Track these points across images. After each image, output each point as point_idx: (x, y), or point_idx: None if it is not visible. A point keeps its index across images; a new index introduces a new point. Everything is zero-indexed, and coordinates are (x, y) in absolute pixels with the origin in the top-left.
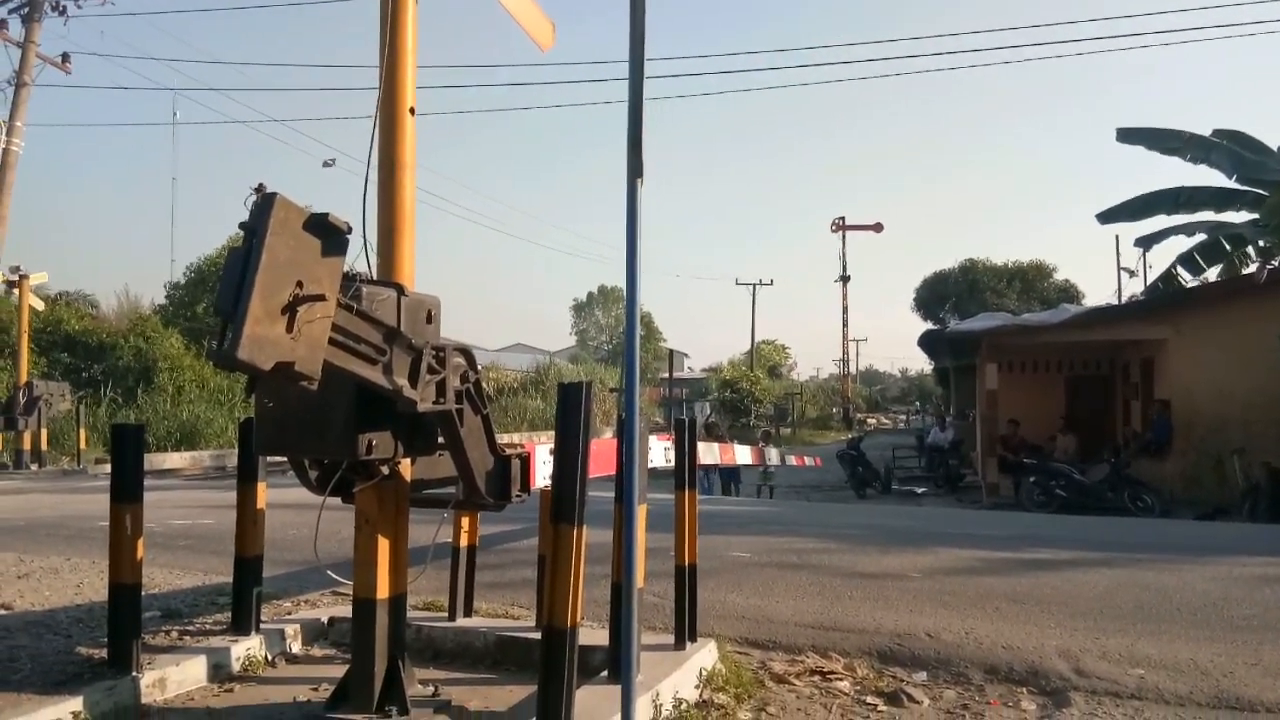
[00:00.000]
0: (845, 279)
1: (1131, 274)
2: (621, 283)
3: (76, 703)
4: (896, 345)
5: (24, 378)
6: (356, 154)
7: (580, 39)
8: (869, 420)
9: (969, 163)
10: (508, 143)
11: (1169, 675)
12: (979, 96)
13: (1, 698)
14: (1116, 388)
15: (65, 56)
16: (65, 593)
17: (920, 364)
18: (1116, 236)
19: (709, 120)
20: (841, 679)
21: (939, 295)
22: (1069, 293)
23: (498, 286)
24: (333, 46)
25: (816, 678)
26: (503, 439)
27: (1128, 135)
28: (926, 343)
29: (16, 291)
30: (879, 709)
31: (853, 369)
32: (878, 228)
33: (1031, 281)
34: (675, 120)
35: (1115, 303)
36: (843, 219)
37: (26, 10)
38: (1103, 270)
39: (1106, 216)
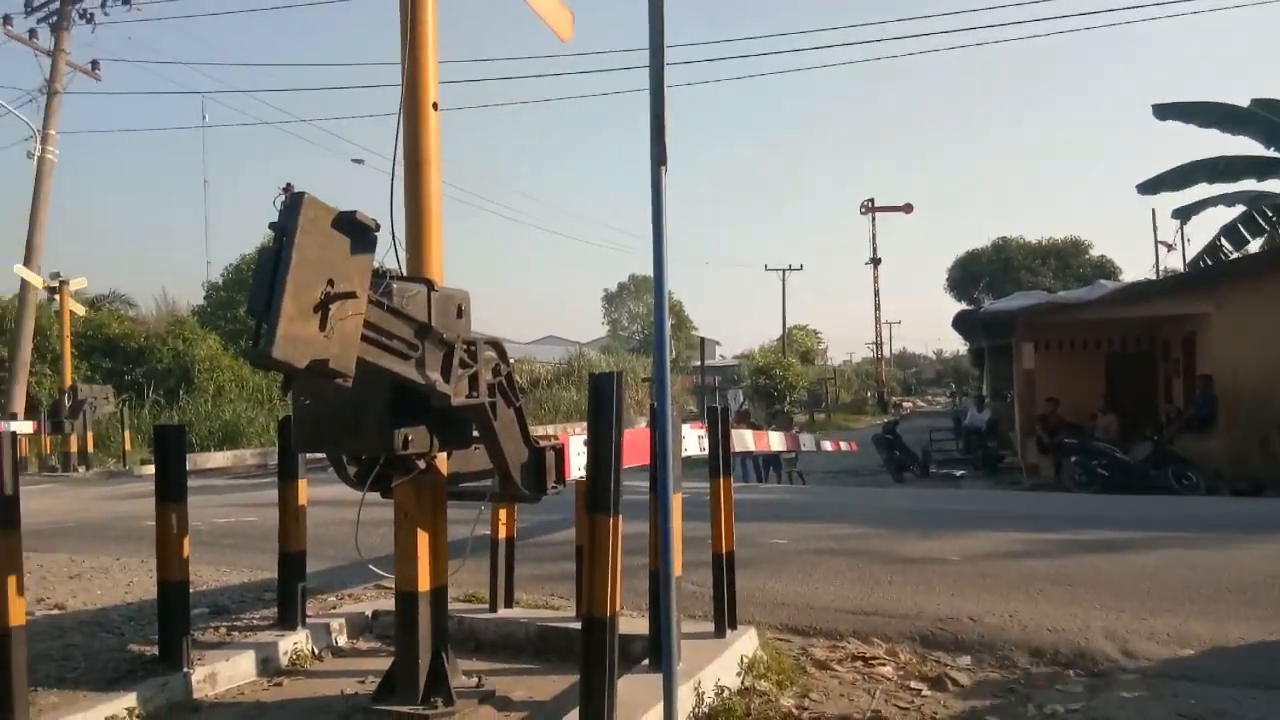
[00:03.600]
0: (876, 261)
1: (1170, 248)
2: (651, 272)
3: (130, 699)
4: (930, 327)
5: (68, 382)
6: (384, 151)
7: (601, 27)
8: (904, 403)
9: (1000, 139)
10: (532, 135)
11: (1220, 656)
12: (1010, 71)
13: (58, 695)
14: (1157, 364)
15: (94, 64)
16: (116, 592)
17: (955, 345)
18: (1153, 210)
19: (733, 105)
20: (884, 664)
21: (972, 275)
22: (1106, 269)
23: (527, 279)
24: (359, 44)
25: (859, 663)
26: (536, 431)
27: (1164, 111)
28: (961, 324)
29: (57, 298)
30: (923, 693)
31: (886, 352)
32: (907, 208)
33: (1067, 258)
34: (699, 106)
35: (1154, 278)
36: (872, 200)
37: (55, 19)
38: (1140, 245)
39: (1147, 187)
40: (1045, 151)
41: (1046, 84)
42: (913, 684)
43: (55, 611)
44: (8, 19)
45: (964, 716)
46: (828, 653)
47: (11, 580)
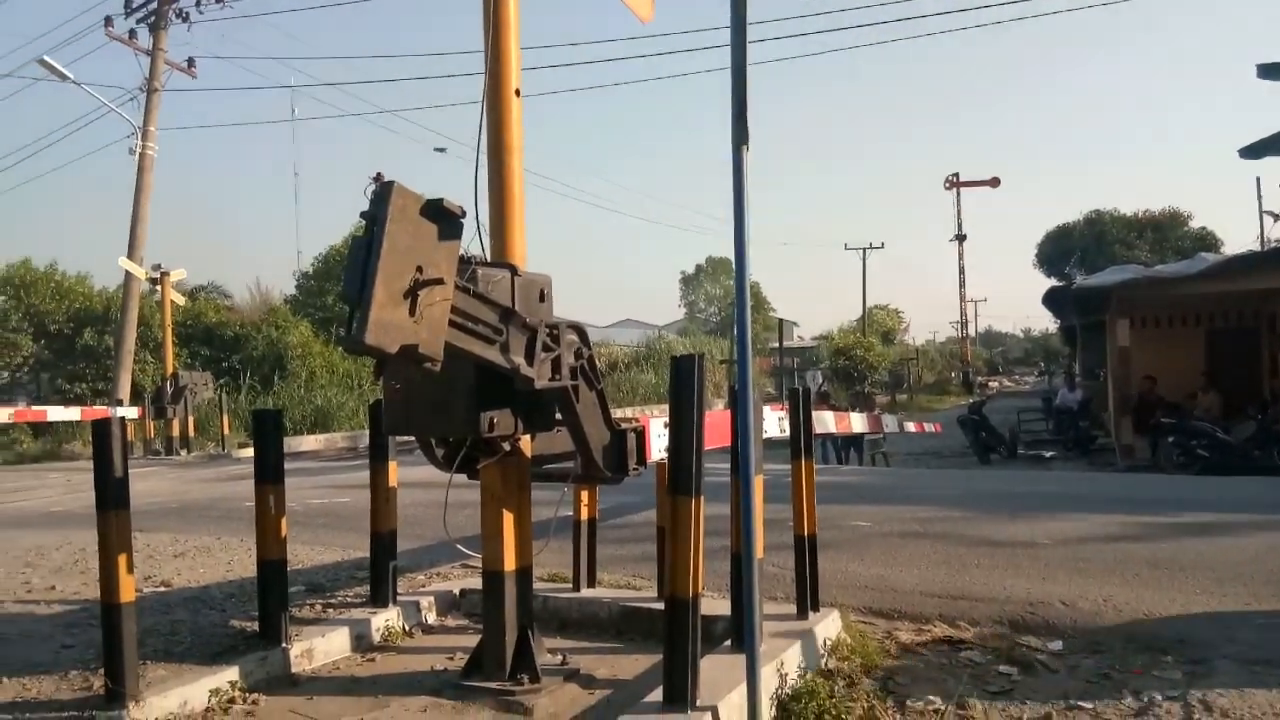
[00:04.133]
0: (961, 238)
1: (1276, 218)
2: (729, 253)
3: (233, 672)
4: (1018, 304)
5: (170, 369)
6: (464, 139)
7: (681, 7)
8: (990, 383)
9: (1090, 108)
10: (610, 119)
11: None
12: (1100, 37)
13: (166, 667)
14: (1262, 340)
15: (190, 61)
16: (217, 570)
17: (1044, 323)
18: (1258, 179)
19: (812, 83)
20: (972, 648)
21: (1063, 250)
22: (1206, 241)
23: (605, 263)
24: (442, 34)
25: (945, 647)
26: (616, 414)
27: (1269, 71)
28: (1051, 300)
29: (159, 288)
30: (1013, 678)
31: (971, 331)
32: (994, 182)
33: (1165, 231)
34: (777, 85)
35: (1258, 249)
36: (956, 175)
37: (153, 20)
38: (1244, 215)
39: (1250, 152)
40: (1141, 119)
41: (1141, 46)
42: (1002, 668)
43: (162, 589)
44: (109, 20)
45: (1055, 703)
46: (913, 636)
47: (122, 559)
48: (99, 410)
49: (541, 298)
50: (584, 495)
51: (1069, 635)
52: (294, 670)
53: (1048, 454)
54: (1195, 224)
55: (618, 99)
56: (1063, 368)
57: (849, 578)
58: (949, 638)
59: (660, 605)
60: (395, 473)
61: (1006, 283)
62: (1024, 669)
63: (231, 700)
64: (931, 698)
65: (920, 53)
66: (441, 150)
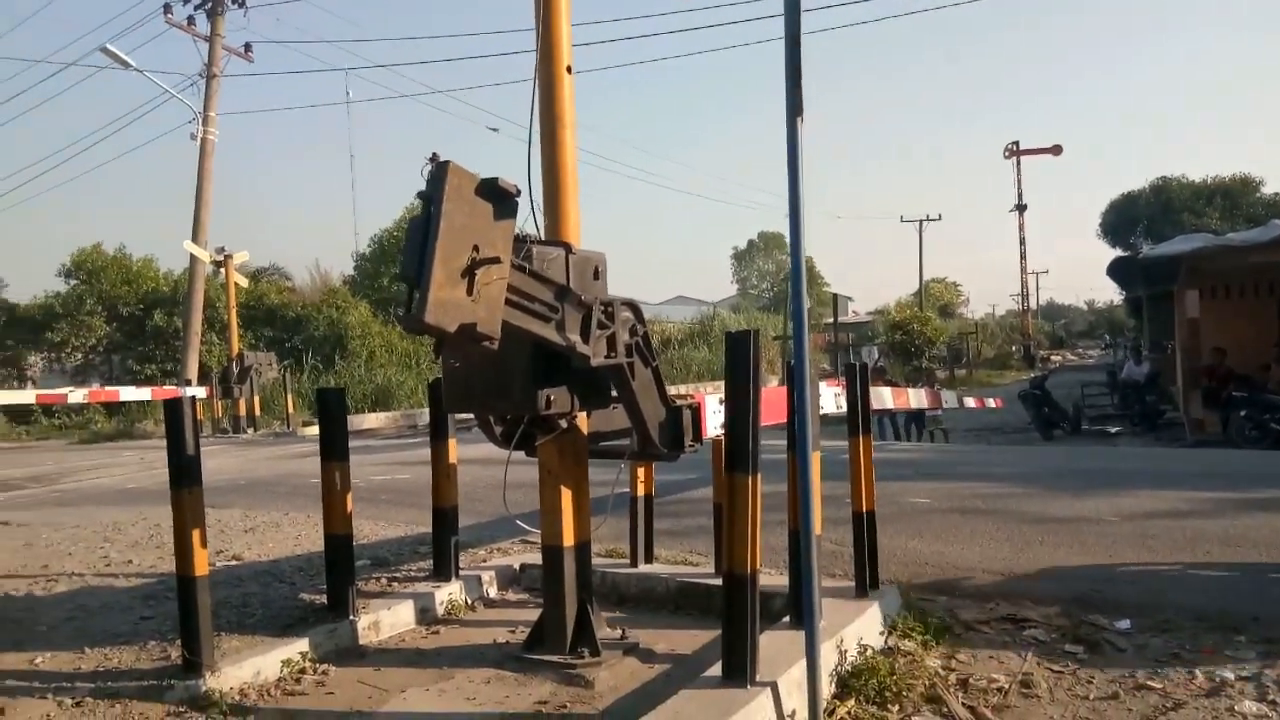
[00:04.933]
0: (1021, 208)
1: None
2: (781, 228)
3: (303, 643)
4: (1080, 275)
5: (235, 350)
6: (516, 118)
7: None
8: (1053, 357)
9: (1156, 70)
10: (655, 93)
11: None
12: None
13: (239, 639)
14: None
15: (247, 46)
16: (286, 544)
17: (1108, 294)
18: None
19: (863, 49)
20: (1036, 626)
21: (1129, 219)
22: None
23: (657, 240)
24: (493, 13)
25: (1008, 624)
26: (671, 390)
27: None
28: (1117, 270)
29: (223, 271)
30: (1079, 656)
31: (1032, 304)
32: (1056, 150)
33: (1236, 198)
34: (828, 53)
35: None
36: (1016, 144)
37: (211, 5)
38: None
39: None
40: (1208, 81)
41: (1206, 5)
42: (1068, 647)
43: (233, 562)
44: (168, 7)
45: (1123, 681)
46: (975, 614)
47: (196, 533)
48: (169, 390)
49: (596, 275)
50: (640, 472)
51: (1136, 614)
52: (361, 642)
53: (1113, 429)
54: (1268, 190)
55: (669, 74)
56: (1129, 340)
57: (908, 554)
58: (1012, 615)
59: (717, 581)
60: (455, 449)
61: (1069, 254)
62: (1090, 647)
63: (302, 671)
64: (995, 676)
65: (981, 19)
66: (494, 130)
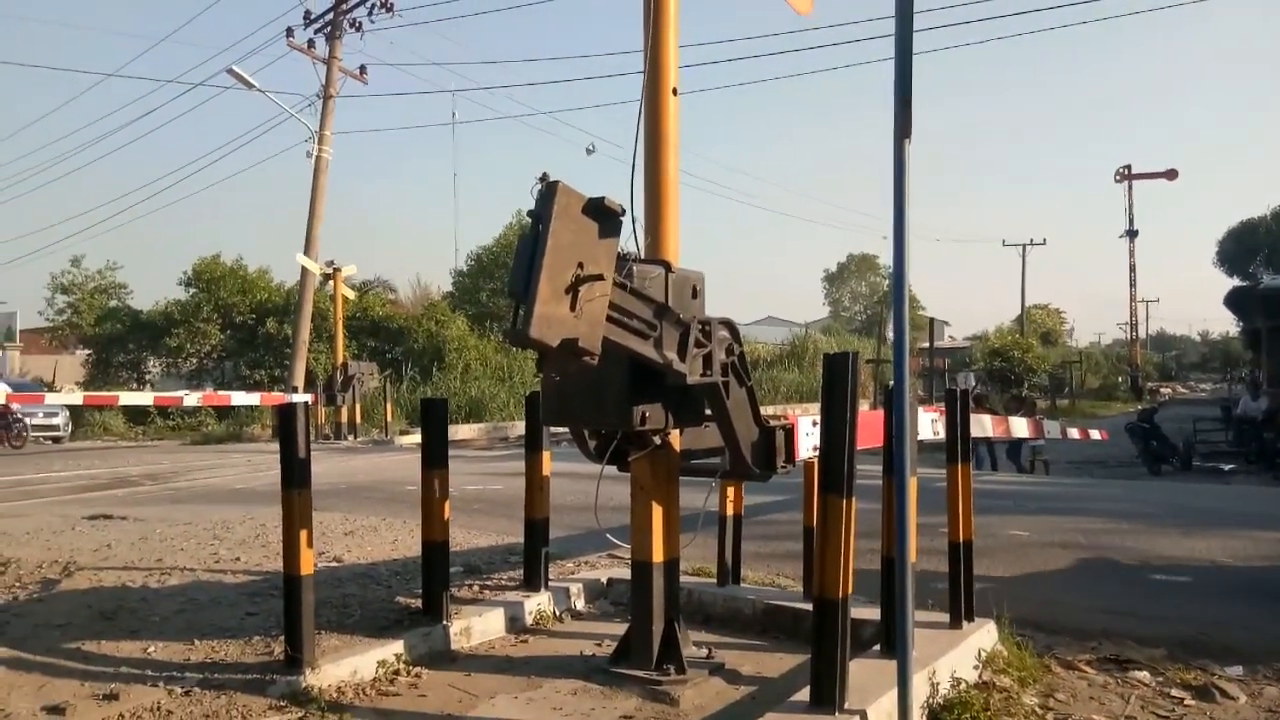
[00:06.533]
0: (1132, 234)
1: None
2: (873, 249)
3: (399, 646)
4: (1193, 305)
5: (340, 359)
6: (614, 139)
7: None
8: (1162, 389)
9: (1276, 95)
10: (756, 114)
11: None
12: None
13: (338, 638)
14: None
15: (362, 69)
16: (383, 548)
17: (1223, 326)
18: None
19: (966, 70)
20: (1140, 669)
21: (1248, 247)
22: None
23: (749, 259)
24: (593, 37)
25: (1111, 665)
26: (761, 411)
27: None
28: (1234, 301)
29: (331, 283)
30: (1186, 703)
31: (1141, 333)
32: (1171, 175)
33: None
34: (933, 70)
35: None
36: (1128, 168)
37: (329, 29)
38: None
39: None
40: None
41: None
42: (1174, 692)
43: (333, 564)
44: (290, 31)
45: None
46: (1075, 652)
47: (303, 534)
48: (276, 396)
49: (694, 294)
50: (730, 491)
51: (1249, 660)
52: (453, 647)
53: (1227, 467)
54: None
55: (764, 94)
56: (1246, 374)
57: (1005, 588)
58: (1115, 656)
59: (805, 605)
60: (549, 462)
61: (1181, 282)
62: (1198, 694)
63: (396, 672)
64: (1095, 718)
65: (1090, 41)
66: (591, 150)
